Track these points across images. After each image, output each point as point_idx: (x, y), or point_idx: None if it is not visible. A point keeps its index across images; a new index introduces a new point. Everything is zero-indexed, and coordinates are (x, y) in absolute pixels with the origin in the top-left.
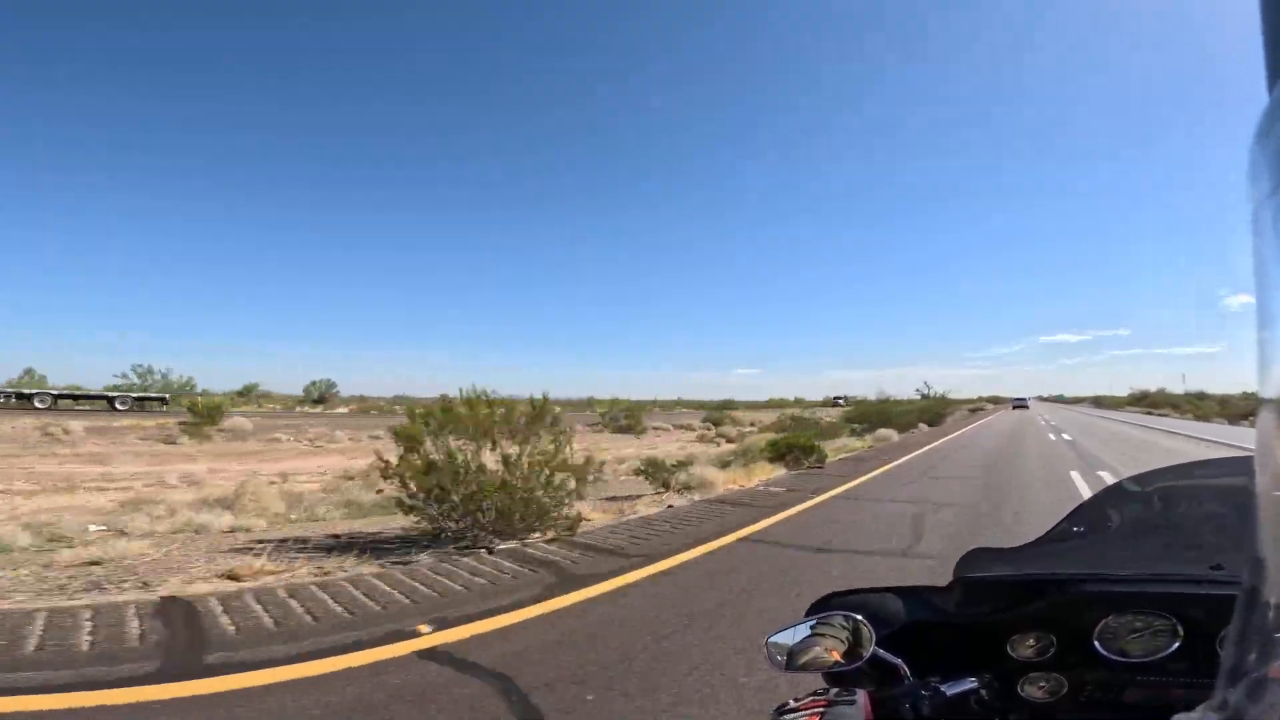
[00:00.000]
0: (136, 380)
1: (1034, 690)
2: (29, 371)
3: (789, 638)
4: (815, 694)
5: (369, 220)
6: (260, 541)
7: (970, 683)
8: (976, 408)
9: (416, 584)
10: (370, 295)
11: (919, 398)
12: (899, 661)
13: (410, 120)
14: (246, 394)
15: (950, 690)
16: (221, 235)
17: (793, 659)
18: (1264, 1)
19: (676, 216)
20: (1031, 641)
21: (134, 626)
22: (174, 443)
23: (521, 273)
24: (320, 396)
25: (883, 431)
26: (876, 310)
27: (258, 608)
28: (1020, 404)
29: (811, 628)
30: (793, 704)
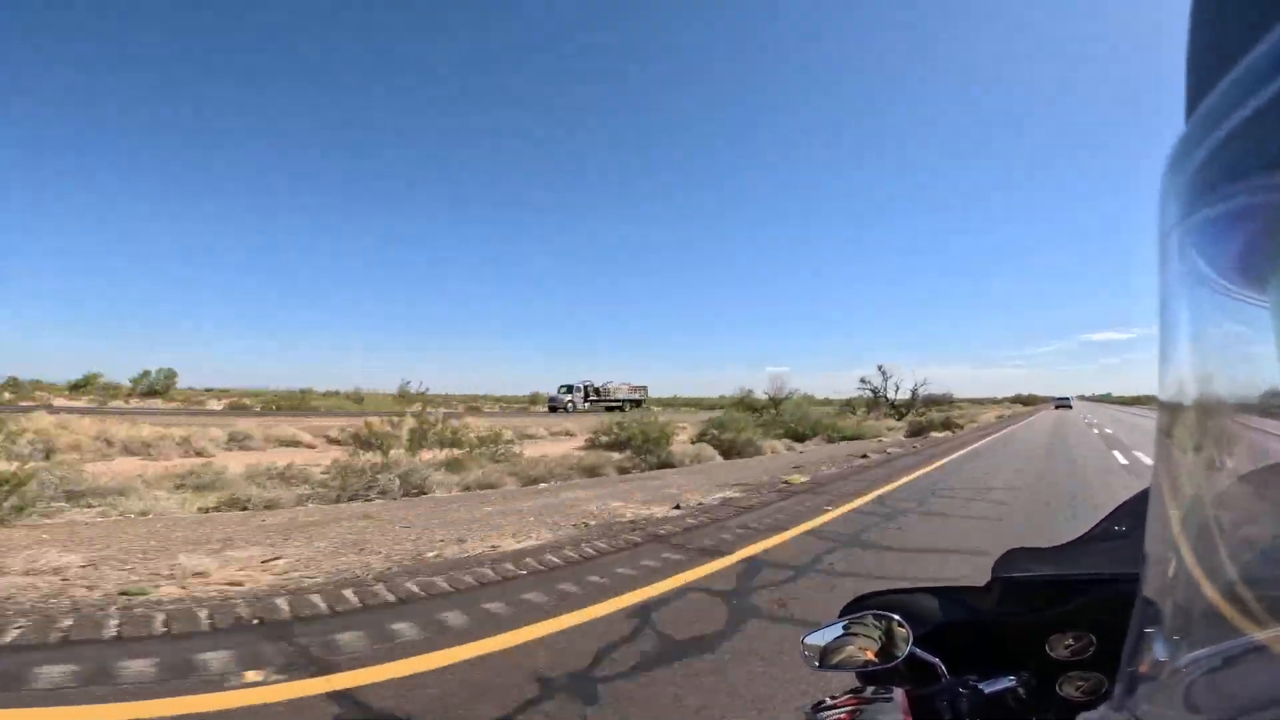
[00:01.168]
0: None
1: (1072, 689)
2: None
3: (822, 637)
4: (852, 692)
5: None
6: None
7: (1008, 681)
8: (918, 425)
9: None
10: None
11: (870, 395)
12: (936, 660)
13: (408, 118)
14: (86, 384)
15: (988, 689)
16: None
17: (826, 658)
18: (1190, 37)
19: (705, 216)
20: (1070, 641)
21: None
22: None
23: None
24: (153, 388)
25: None
26: (913, 310)
27: None
28: (1063, 404)
29: (845, 627)
30: (829, 701)
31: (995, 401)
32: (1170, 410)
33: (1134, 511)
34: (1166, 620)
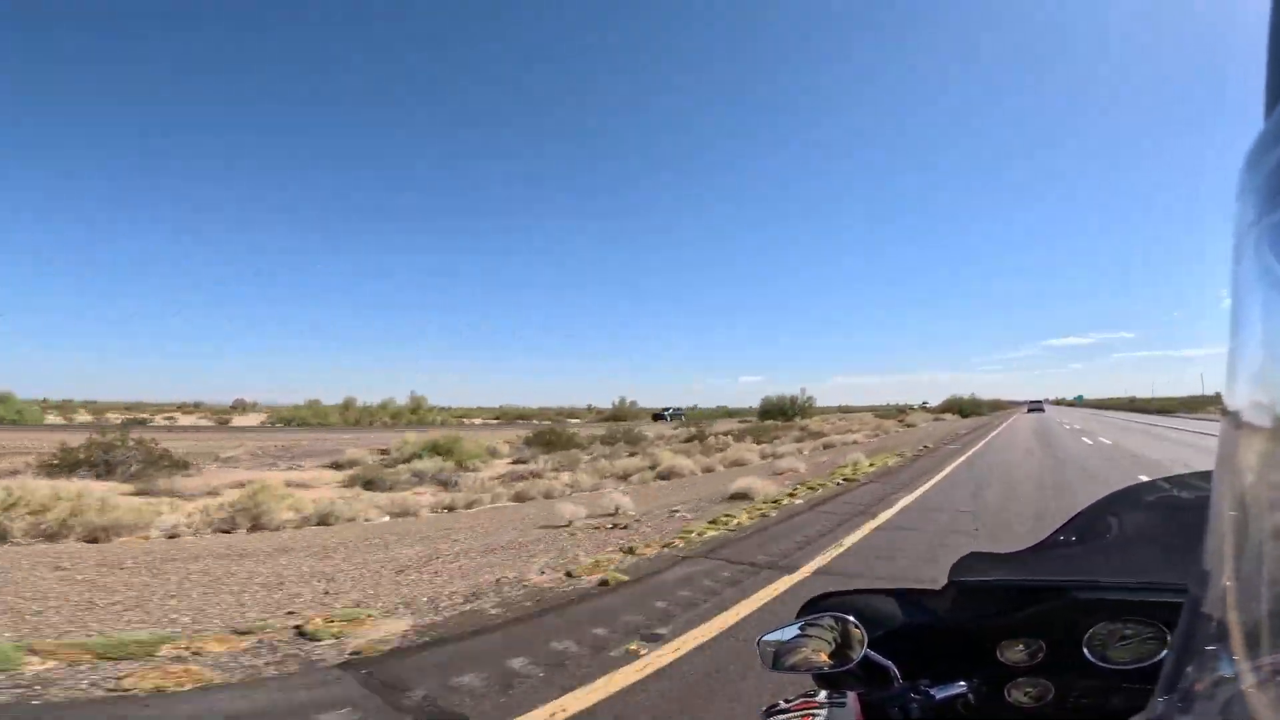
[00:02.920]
0: None
1: (1020, 695)
2: None
3: (778, 637)
4: (806, 695)
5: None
6: None
7: (959, 687)
8: None
9: None
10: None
11: None
12: (889, 664)
13: (399, 119)
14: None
15: (939, 694)
16: None
17: (780, 659)
18: (1272, 30)
19: (677, 219)
20: (1021, 647)
21: None
22: None
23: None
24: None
25: None
26: (887, 316)
27: None
28: (1036, 407)
29: (800, 628)
30: (783, 704)
31: (904, 411)
32: (1237, 418)
33: (1090, 521)
34: (1228, 637)
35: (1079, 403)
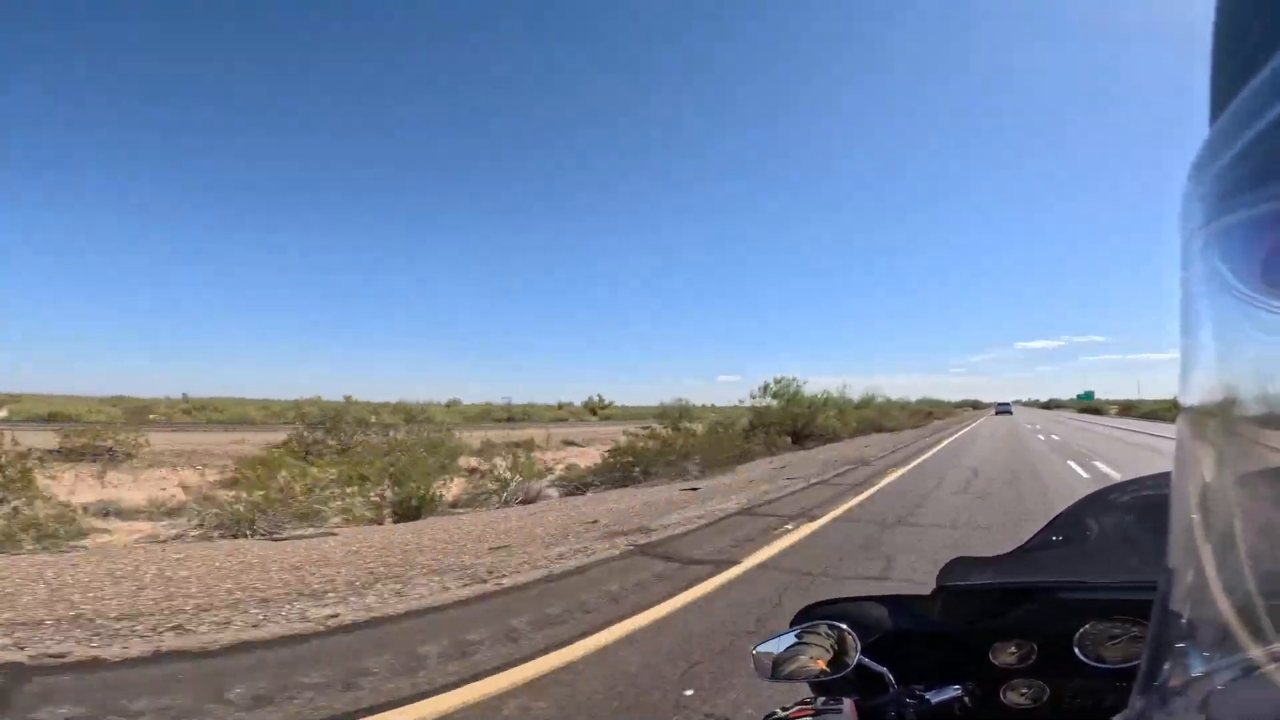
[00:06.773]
0: None
1: (1015, 697)
2: None
3: (774, 647)
4: (803, 702)
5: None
6: None
7: (954, 690)
8: None
9: None
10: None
11: None
12: (884, 670)
13: (388, 122)
14: None
15: (934, 698)
16: None
17: (778, 668)
18: (1215, 44)
19: (663, 222)
20: (1013, 649)
21: None
22: None
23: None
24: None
25: None
26: (861, 320)
27: None
28: (1004, 409)
29: (797, 637)
30: (780, 713)
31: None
32: (1191, 418)
33: (1070, 523)
34: (1197, 634)
35: (1090, 402)
